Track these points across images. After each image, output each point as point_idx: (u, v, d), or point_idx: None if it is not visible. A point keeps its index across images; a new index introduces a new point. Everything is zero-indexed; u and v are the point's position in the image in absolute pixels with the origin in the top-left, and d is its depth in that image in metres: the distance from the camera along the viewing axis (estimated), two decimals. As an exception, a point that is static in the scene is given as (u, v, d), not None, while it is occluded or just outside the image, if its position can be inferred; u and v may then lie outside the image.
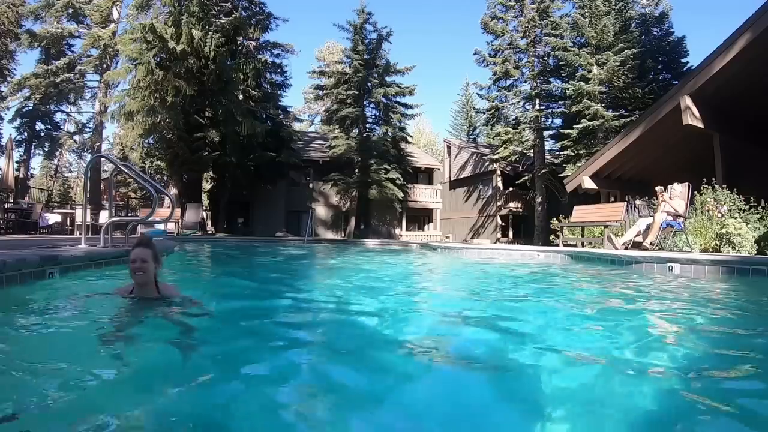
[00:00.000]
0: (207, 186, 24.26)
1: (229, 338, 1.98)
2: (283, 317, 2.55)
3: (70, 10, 21.38)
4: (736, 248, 6.13)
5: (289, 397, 1.30)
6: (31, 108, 23.21)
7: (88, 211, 6.97)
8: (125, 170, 4.97)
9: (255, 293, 3.61)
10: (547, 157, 21.72)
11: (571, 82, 18.11)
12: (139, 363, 1.60)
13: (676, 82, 15.09)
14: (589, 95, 17.41)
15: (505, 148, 20.88)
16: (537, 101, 20.88)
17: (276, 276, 5.24)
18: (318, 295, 3.45)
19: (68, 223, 12.74)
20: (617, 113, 17.64)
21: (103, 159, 15.23)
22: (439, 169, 26.96)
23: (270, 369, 1.57)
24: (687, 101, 8.97)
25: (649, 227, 6.68)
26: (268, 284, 4.32)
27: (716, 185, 7.35)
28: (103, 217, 11.40)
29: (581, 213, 8.71)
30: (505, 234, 24.00)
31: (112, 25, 21.46)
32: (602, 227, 7.88)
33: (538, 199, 20.51)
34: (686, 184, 6.86)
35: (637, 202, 8.80)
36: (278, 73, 20.58)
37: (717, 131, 9.45)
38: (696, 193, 7.25)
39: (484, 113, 23.52)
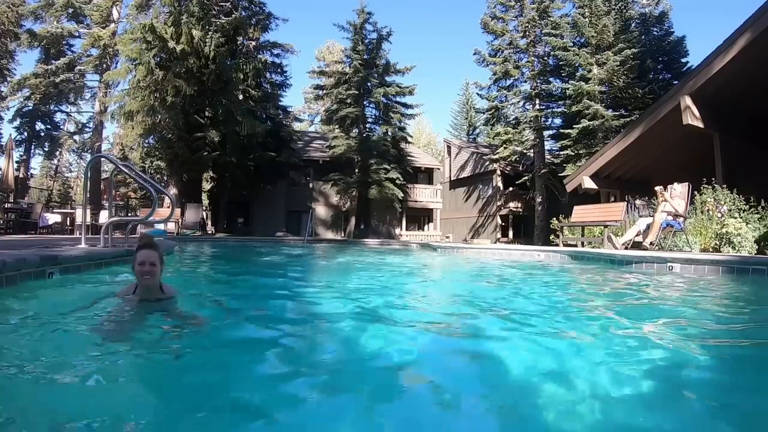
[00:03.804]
0: (207, 186, 24.26)
1: (233, 337, 1.99)
2: (286, 317, 2.55)
3: (70, 10, 21.38)
4: (736, 248, 6.13)
5: (289, 395, 1.30)
6: (31, 108, 23.20)
7: (88, 211, 6.97)
8: (125, 170, 4.96)
9: (256, 292, 3.61)
10: (547, 157, 21.72)
11: (571, 82, 18.11)
12: (146, 363, 1.60)
13: (676, 82, 15.08)
14: (589, 95, 17.41)
15: (505, 148, 20.88)
16: (537, 101, 20.88)
17: (277, 275, 5.24)
18: (318, 295, 3.45)
19: (68, 223, 12.73)
20: (617, 113, 17.64)
21: (103, 159, 15.22)
22: (439, 169, 26.96)
23: (272, 367, 1.57)
24: (687, 101, 8.97)
25: (649, 227, 6.68)
26: (270, 283, 4.32)
27: (716, 185, 7.35)
28: (103, 217, 11.40)
29: (581, 213, 8.71)
30: (505, 234, 24.00)
31: (112, 25, 21.46)
32: (602, 227, 7.89)
33: (538, 199, 20.51)
34: (686, 184, 6.86)
35: (637, 202, 8.79)
36: (278, 73, 20.59)
37: (717, 131, 9.45)
38: (696, 193, 7.25)
39: (484, 113, 23.51)
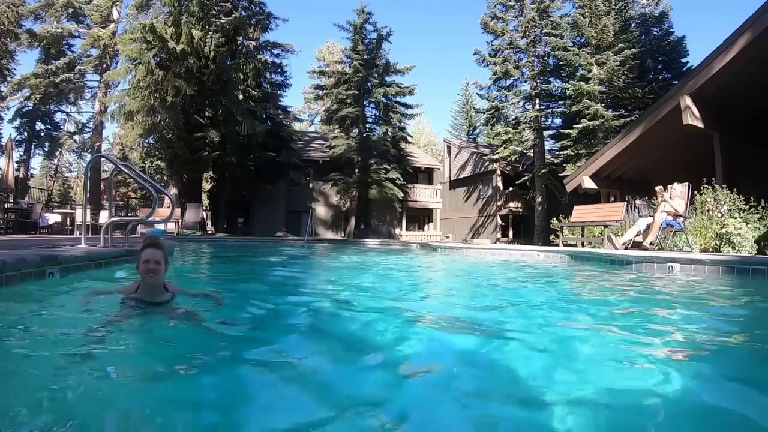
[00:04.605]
0: (207, 186, 24.26)
1: (236, 337, 1.98)
2: (287, 316, 2.55)
3: (70, 10, 21.39)
4: (736, 248, 6.13)
5: (290, 394, 1.30)
6: (31, 108, 23.20)
7: (88, 211, 6.97)
8: (125, 170, 4.96)
9: (257, 293, 3.61)
10: (547, 157, 21.72)
11: (571, 82, 18.10)
12: (147, 363, 1.60)
13: (676, 82, 15.08)
14: (589, 95, 17.40)
15: (505, 148, 20.88)
16: (537, 101, 20.88)
17: (278, 275, 5.24)
18: (318, 294, 3.45)
19: (68, 223, 12.73)
20: (617, 113, 17.64)
21: (103, 159, 15.22)
22: (439, 169, 26.96)
23: (274, 367, 1.57)
24: (687, 101, 8.97)
25: (649, 227, 6.68)
26: (272, 283, 4.32)
27: (716, 185, 7.34)
28: (103, 217, 11.40)
29: (581, 213, 8.71)
30: (505, 234, 24.00)
31: (112, 25, 21.47)
32: (602, 227, 7.88)
33: (538, 199, 20.51)
34: (686, 184, 6.86)
35: (637, 202, 8.80)
36: (278, 73, 20.61)
37: (717, 131, 9.44)
38: (696, 193, 7.25)
39: (484, 113, 23.52)
